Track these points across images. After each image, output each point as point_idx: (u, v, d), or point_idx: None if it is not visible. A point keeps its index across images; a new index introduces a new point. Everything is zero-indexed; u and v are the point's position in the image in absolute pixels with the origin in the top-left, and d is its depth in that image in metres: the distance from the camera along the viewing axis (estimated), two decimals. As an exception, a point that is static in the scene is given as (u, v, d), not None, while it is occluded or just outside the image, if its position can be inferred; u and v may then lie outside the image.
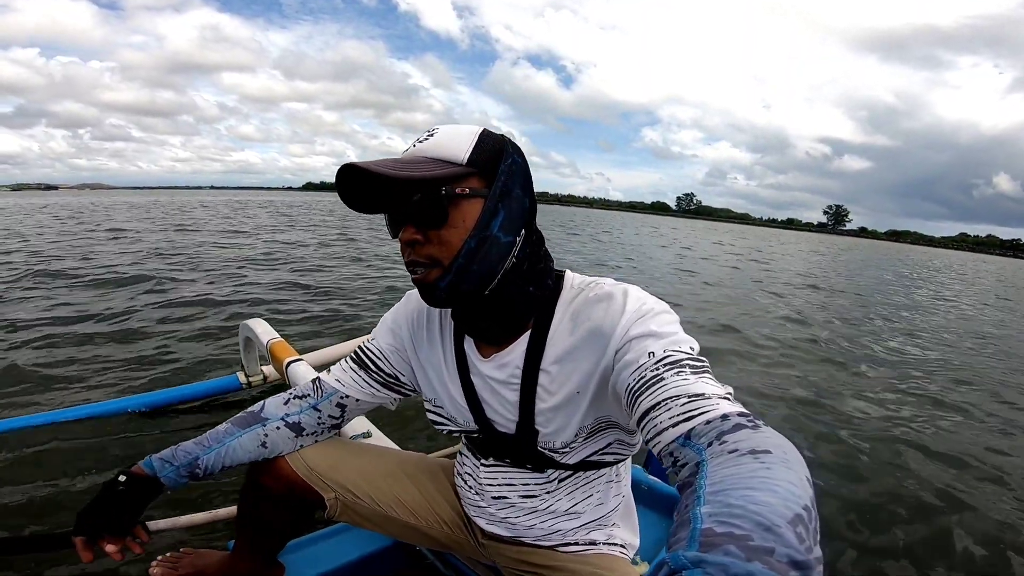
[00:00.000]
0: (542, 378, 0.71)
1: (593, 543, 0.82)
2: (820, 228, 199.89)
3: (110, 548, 0.78)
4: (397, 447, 1.32)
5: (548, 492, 0.80)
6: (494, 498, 0.82)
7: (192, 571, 1.01)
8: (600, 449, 0.75)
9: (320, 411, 0.86)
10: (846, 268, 16.47)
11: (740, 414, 0.47)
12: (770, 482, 0.35)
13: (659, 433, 0.50)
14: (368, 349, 0.86)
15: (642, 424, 0.54)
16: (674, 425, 0.49)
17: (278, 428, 0.86)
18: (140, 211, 20.42)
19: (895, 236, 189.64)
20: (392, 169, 0.60)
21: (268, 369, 2.63)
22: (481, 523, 0.86)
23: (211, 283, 5.77)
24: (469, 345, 0.77)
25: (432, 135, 0.66)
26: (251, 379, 2.60)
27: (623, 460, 0.81)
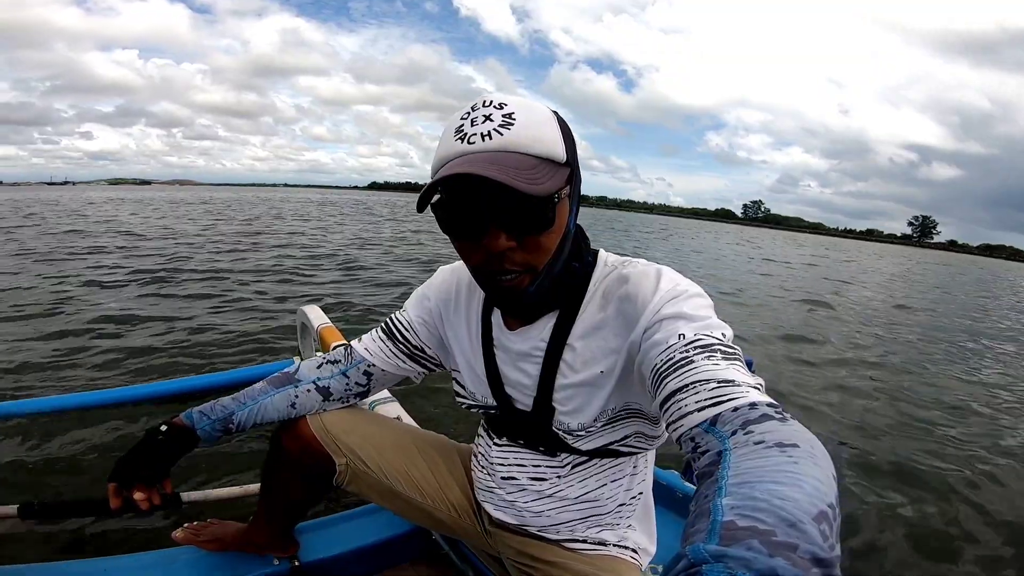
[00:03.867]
0: (566, 353, 0.69)
1: (603, 543, 0.78)
2: (904, 240, 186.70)
3: (138, 496, 0.81)
4: (417, 426, 1.28)
5: (559, 476, 0.76)
6: (503, 479, 0.80)
7: (212, 538, 1.04)
8: (618, 440, 0.71)
9: (348, 377, 0.87)
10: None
11: (769, 405, 0.45)
12: (797, 477, 0.34)
13: (683, 416, 0.48)
14: (397, 320, 0.86)
15: (666, 406, 0.51)
16: (700, 409, 0.47)
17: (308, 391, 0.87)
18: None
19: (988, 250, 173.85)
20: (525, 180, 0.54)
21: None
22: (489, 508, 0.84)
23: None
24: (496, 318, 0.75)
25: (512, 120, 0.58)
26: (306, 365, 2.65)
27: (642, 454, 0.77)
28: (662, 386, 0.52)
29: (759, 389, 0.48)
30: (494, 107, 0.58)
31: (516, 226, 0.59)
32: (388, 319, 0.87)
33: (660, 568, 0.85)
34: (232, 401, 0.86)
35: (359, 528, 1.15)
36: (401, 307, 0.88)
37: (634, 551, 0.79)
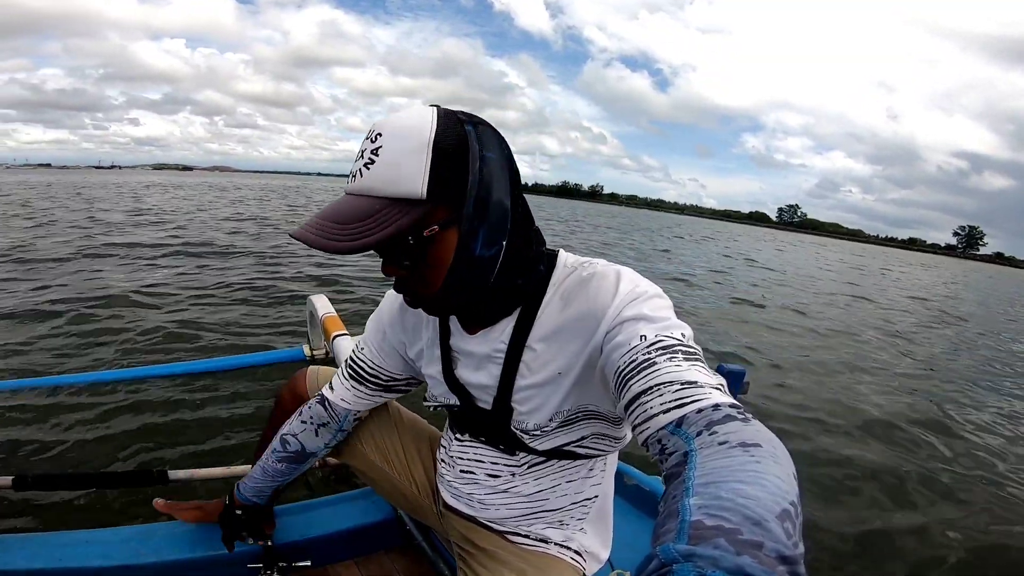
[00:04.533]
0: (526, 355, 0.70)
1: (545, 541, 0.80)
2: (948, 250, 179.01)
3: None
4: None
5: (514, 474, 0.78)
6: (462, 471, 0.83)
7: (193, 507, 1.09)
8: (574, 441, 0.72)
9: (346, 430, 0.93)
10: None
11: (731, 406, 0.46)
12: (759, 476, 0.35)
13: (649, 419, 0.49)
14: (361, 360, 0.87)
15: (631, 409, 0.52)
16: (665, 412, 0.48)
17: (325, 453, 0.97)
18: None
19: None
20: (341, 237, 0.55)
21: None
22: (445, 496, 0.88)
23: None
24: (454, 324, 0.76)
25: (376, 156, 0.57)
26: (314, 352, 2.71)
27: (601, 457, 0.78)
28: (626, 388, 0.53)
29: (720, 390, 0.49)
30: (370, 140, 0.58)
31: (387, 258, 0.62)
32: (351, 360, 0.88)
33: (628, 574, 0.85)
34: (272, 481, 0.96)
35: (335, 514, 1.19)
36: (359, 342, 0.89)
37: (577, 553, 0.80)
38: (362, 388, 0.87)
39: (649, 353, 0.53)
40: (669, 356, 0.52)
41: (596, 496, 0.80)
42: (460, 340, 0.76)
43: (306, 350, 2.76)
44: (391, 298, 0.85)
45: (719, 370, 1.80)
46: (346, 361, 0.89)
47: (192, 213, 12.34)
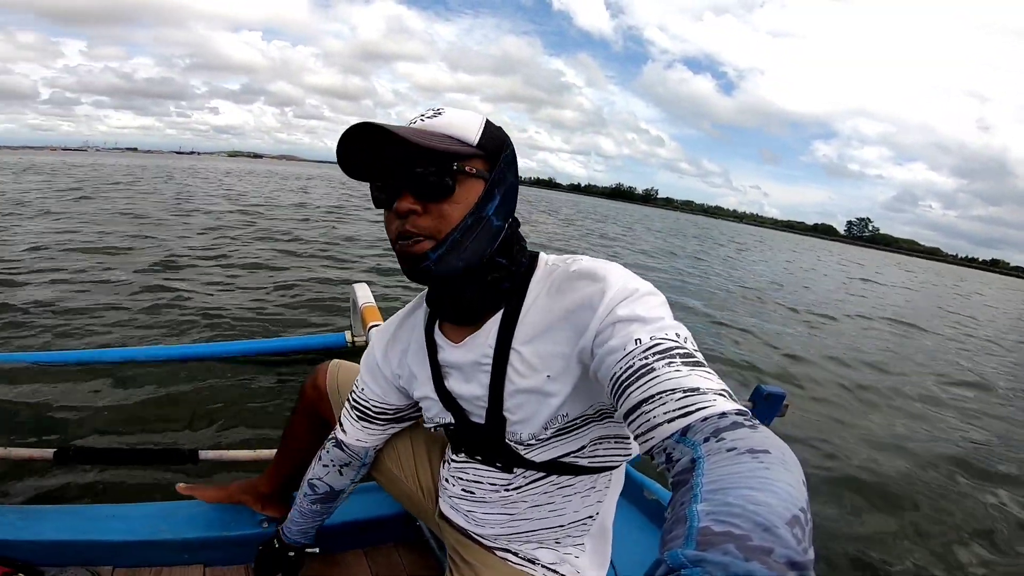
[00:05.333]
0: (513, 358, 0.67)
1: (533, 561, 0.77)
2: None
3: None
4: None
5: (511, 493, 0.76)
6: (463, 491, 0.81)
7: (214, 488, 1.14)
8: (574, 451, 0.69)
9: (368, 463, 0.94)
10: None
11: (738, 412, 0.45)
12: (769, 482, 0.34)
13: (652, 428, 0.48)
14: (364, 400, 0.87)
15: (631, 417, 0.51)
16: (670, 421, 0.47)
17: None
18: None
19: None
20: (412, 135, 0.58)
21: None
22: (444, 507, 0.87)
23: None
24: (440, 338, 0.75)
25: (441, 113, 0.65)
26: (355, 340, 2.79)
27: (605, 474, 0.74)
28: (624, 396, 0.51)
29: (725, 396, 0.48)
30: (430, 110, 0.66)
31: (416, 185, 0.61)
32: (354, 401, 0.88)
33: None
34: (311, 521, 0.99)
35: (348, 504, 1.16)
36: (357, 382, 0.88)
37: None
38: (373, 425, 0.88)
39: (647, 358, 0.51)
40: (667, 361, 0.51)
41: (596, 514, 0.76)
42: (448, 352, 0.74)
43: (348, 336, 2.84)
44: (377, 336, 0.86)
45: (758, 391, 1.72)
46: (349, 402, 0.89)
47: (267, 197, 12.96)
